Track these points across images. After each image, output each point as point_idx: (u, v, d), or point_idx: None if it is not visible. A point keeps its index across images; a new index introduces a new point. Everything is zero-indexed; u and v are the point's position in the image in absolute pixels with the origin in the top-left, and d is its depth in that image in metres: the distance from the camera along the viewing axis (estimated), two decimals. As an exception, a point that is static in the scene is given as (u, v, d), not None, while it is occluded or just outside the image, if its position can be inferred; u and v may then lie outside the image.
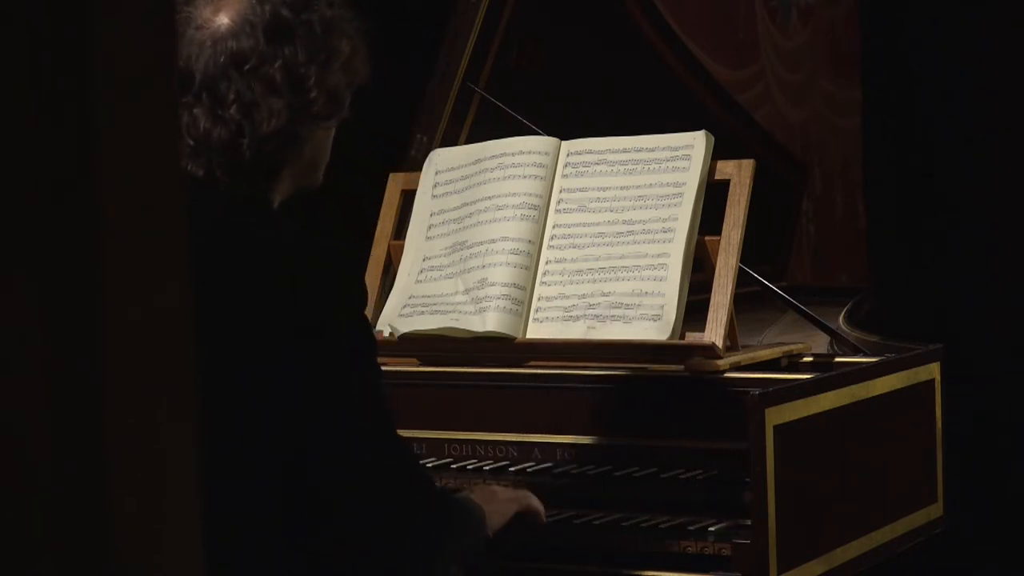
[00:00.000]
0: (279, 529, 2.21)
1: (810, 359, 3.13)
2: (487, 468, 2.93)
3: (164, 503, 0.98)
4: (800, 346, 3.13)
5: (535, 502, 2.65)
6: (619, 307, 2.88)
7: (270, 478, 2.19)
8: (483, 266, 2.98)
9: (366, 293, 2.29)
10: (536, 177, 3.05)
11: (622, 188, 2.99)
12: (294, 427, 2.19)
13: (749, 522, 2.58)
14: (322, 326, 2.22)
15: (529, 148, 3.09)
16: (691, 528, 2.67)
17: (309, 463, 2.20)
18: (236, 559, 2.18)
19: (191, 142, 2.23)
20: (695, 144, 2.97)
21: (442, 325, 2.97)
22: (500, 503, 2.56)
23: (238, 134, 2.24)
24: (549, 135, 3.15)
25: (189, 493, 1.00)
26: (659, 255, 2.89)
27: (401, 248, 3.13)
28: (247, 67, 2.24)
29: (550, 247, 3.00)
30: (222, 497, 2.14)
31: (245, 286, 2.23)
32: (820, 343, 3.33)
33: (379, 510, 2.28)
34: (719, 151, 2.98)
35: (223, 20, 2.25)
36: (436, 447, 3.02)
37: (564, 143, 3.09)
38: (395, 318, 3.03)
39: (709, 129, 3.00)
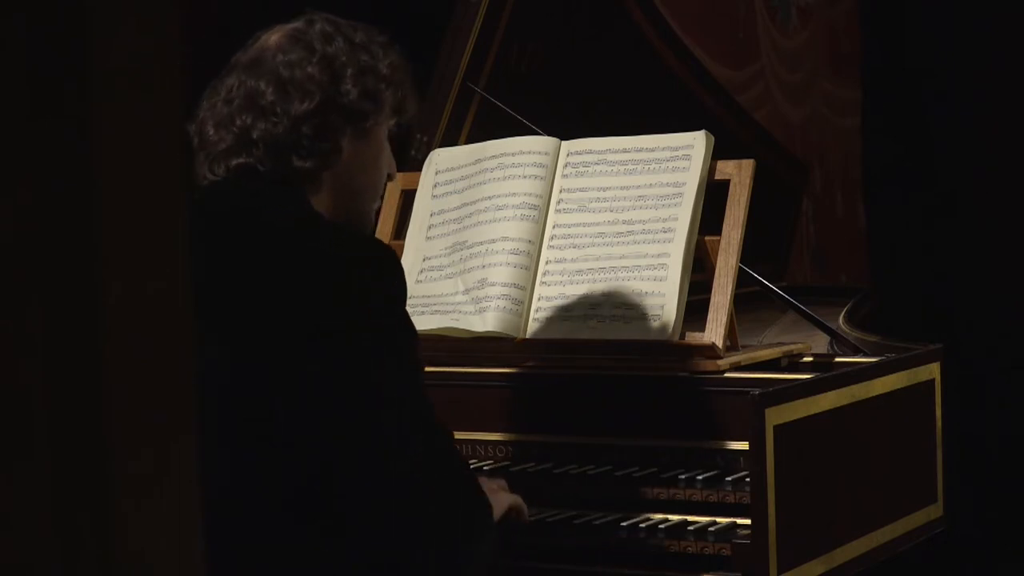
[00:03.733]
0: (309, 524, 2.20)
1: (810, 359, 3.13)
2: (487, 468, 2.93)
3: (164, 503, 0.98)
4: (800, 346, 3.13)
5: (520, 501, 2.66)
6: (619, 307, 2.88)
7: (302, 476, 2.20)
8: (483, 266, 2.98)
9: (405, 292, 2.30)
10: (536, 177, 3.05)
11: (622, 188, 2.99)
12: (330, 424, 2.19)
13: (749, 522, 2.58)
14: (363, 325, 2.23)
15: (529, 148, 3.09)
16: (691, 528, 2.67)
17: (348, 461, 2.20)
18: (262, 553, 2.18)
19: (231, 138, 2.34)
20: (695, 144, 2.97)
21: (442, 325, 2.98)
22: (495, 498, 2.56)
23: (273, 115, 2.33)
24: (549, 135, 3.15)
25: (190, 492, 1.00)
26: (659, 255, 2.89)
27: (401, 248, 3.13)
28: (289, 62, 2.37)
29: (550, 247, 3.00)
30: (252, 493, 2.15)
31: (285, 283, 2.25)
32: (820, 343, 3.33)
33: (425, 506, 2.26)
34: (719, 151, 2.98)
35: (274, 38, 2.41)
36: (436, 447, 3.02)
37: (564, 143, 3.09)
38: (395, 318, 3.03)
39: (709, 129, 3.00)
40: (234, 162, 2.34)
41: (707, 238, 2.91)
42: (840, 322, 3.60)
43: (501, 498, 2.57)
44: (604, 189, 3.01)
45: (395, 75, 2.43)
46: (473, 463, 2.97)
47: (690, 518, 2.72)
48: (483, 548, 2.37)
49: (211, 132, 2.36)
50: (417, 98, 2.50)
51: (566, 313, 2.92)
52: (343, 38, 2.40)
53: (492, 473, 2.90)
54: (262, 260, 2.29)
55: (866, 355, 3.15)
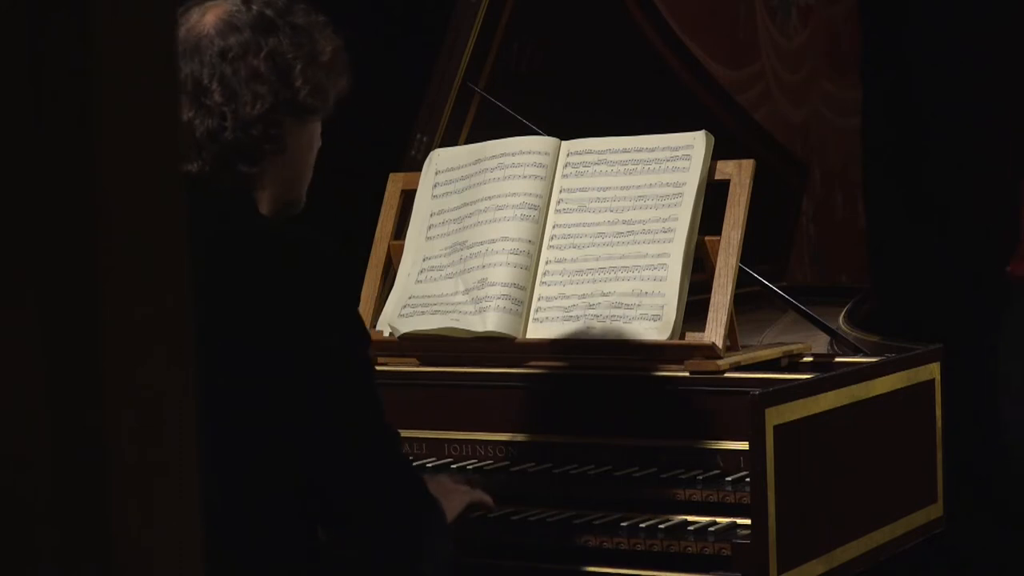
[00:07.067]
0: (286, 525, 2.21)
1: (810, 359, 3.13)
2: (487, 468, 2.93)
3: (164, 503, 0.98)
4: (800, 346, 3.13)
5: (483, 495, 2.65)
6: (619, 307, 2.88)
7: (275, 479, 2.20)
8: (483, 266, 2.98)
9: (356, 287, 2.26)
10: (536, 177, 3.05)
11: (622, 188, 2.99)
12: (292, 426, 2.19)
13: (749, 522, 2.58)
14: (313, 324, 2.21)
15: (529, 148, 3.09)
16: (691, 528, 2.67)
17: (305, 461, 2.20)
18: (244, 553, 2.18)
19: None
20: (695, 144, 2.97)
21: (442, 325, 2.97)
22: (451, 497, 2.55)
23: (221, 118, 2.26)
24: (549, 135, 3.15)
25: (190, 492, 1.00)
26: (659, 255, 2.89)
27: (401, 248, 3.13)
28: (231, 55, 2.28)
29: (550, 247, 3.00)
30: (229, 498, 2.15)
31: (234, 287, 2.22)
32: (820, 343, 3.33)
33: (372, 510, 2.26)
34: (719, 151, 2.98)
35: (209, 20, 2.31)
36: (436, 447, 3.02)
37: (564, 143, 3.09)
38: (395, 318, 3.03)
39: (709, 129, 3.00)
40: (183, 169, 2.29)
41: (707, 238, 2.91)
42: (840, 322, 3.60)
43: (457, 498, 2.57)
44: (604, 189, 3.01)
45: (337, 63, 2.37)
46: (473, 463, 2.97)
47: (690, 518, 2.72)
48: (443, 543, 2.35)
49: None
50: (350, 75, 2.41)
51: (566, 313, 2.92)
52: (284, 23, 2.32)
53: (493, 473, 2.90)
54: (216, 266, 2.23)
55: (866, 355, 3.15)
